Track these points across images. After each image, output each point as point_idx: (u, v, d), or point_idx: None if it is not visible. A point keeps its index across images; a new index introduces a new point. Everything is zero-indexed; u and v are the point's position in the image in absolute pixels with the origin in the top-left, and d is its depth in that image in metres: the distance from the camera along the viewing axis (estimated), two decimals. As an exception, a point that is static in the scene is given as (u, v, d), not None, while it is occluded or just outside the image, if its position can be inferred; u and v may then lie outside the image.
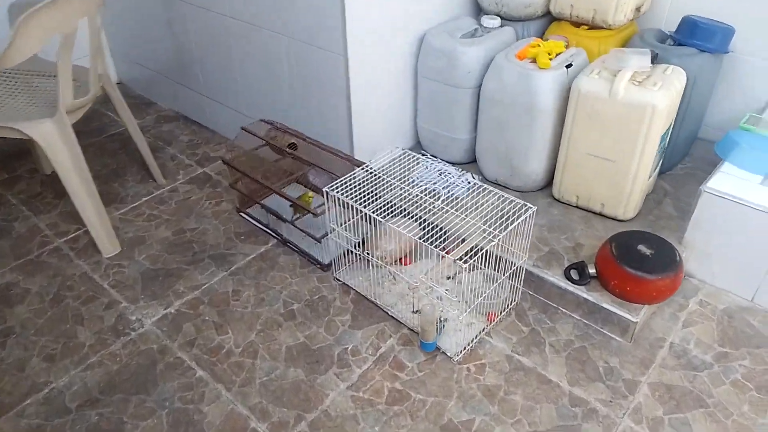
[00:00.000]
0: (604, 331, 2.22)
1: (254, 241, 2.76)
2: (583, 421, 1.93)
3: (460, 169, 2.93)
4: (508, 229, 2.04)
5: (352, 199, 2.28)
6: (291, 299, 2.44)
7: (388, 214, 2.36)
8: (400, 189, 2.48)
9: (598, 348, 2.17)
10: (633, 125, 2.28)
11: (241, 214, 2.94)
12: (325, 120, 2.83)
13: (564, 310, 2.31)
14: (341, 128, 2.76)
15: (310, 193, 2.61)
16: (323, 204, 2.35)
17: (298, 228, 2.58)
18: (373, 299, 2.39)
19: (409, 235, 2.18)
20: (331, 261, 2.58)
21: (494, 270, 2.30)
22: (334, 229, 2.38)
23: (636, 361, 2.11)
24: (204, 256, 2.69)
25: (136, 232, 2.85)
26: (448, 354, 2.15)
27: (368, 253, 2.41)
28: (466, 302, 2.15)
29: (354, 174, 2.34)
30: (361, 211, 2.23)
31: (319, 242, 2.50)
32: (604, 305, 2.18)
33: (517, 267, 2.22)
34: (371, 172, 2.39)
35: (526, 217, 2.08)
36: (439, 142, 3.00)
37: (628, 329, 2.16)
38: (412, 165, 2.64)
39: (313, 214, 2.41)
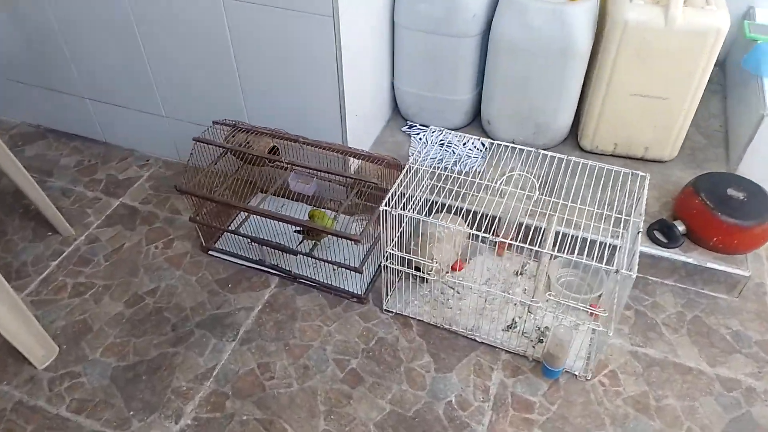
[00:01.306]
0: (707, 292, 1.99)
1: (249, 286, 2.07)
2: (749, 406, 1.69)
3: (462, 135, 2.45)
4: (641, 215, 1.65)
5: (405, 209, 1.71)
6: (343, 355, 1.85)
7: (429, 215, 1.84)
8: (432, 181, 1.96)
9: (710, 313, 1.93)
10: (692, 55, 1.97)
11: (210, 252, 2.19)
12: (305, 106, 2.14)
13: (654, 278, 2.03)
14: (329, 112, 2.10)
15: (325, 212, 1.97)
16: (353, 221, 1.75)
17: (326, 261, 1.94)
18: (446, 326, 1.90)
19: (465, 230, 1.70)
20: (366, 289, 2.00)
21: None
22: (389, 255, 1.80)
23: (754, 318, 1.91)
24: (190, 326, 1.95)
25: (68, 317, 1.98)
26: (574, 372, 1.76)
27: (419, 269, 1.88)
28: (570, 301, 1.75)
29: (402, 179, 1.76)
30: (407, 221, 1.68)
31: (360, 272, 1.90)
32: (709, 265, 1.93)
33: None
34: (412, 171, 1.82)
35: (643, 188, 1.71)
36: (429, 108, 2.47)
37: (736, 285, 1.94)
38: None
39: (353, 241, 1.80)
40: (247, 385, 1.77)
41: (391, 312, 1.96)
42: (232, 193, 2.20)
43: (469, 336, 1.87)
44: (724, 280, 1.95)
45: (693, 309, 1.95)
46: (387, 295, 1.95)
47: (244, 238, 2.07)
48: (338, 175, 1.95)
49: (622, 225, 1.75)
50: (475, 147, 2.45)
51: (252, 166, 2.06)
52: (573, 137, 2.40)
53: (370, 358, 1.84)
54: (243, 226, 2.08)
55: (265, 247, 2.04)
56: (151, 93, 2.39)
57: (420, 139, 2.48)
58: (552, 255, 1.66)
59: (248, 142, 2.01)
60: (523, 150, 1.91)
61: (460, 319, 1.91)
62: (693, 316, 1.93)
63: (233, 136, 2.04)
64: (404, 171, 1.79)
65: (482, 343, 1.86)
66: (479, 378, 1.78)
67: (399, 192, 1.74)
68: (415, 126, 2.53)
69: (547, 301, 1.75)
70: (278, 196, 2.30)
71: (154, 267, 2.16)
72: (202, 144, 2.01)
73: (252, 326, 1.94)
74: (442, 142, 2.47)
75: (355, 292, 2.00)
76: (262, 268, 2.10)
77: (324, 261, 1.94)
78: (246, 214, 2.13)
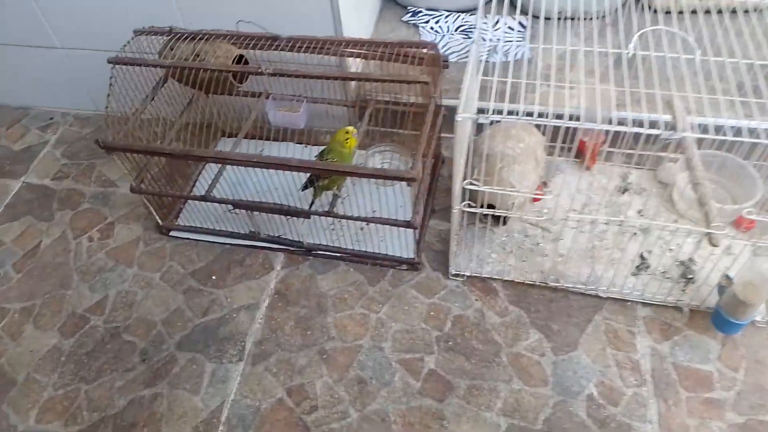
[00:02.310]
0: None
1: (244, 274, 1.40)
2: None
3: (487, 16, 1.78)
4: None
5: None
6: (411, 352, 1.23)
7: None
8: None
9: None
10: None
11: (173, 233, 1.49)
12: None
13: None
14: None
15: (347, 137, 1.28)
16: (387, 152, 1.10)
17: (363, 220, 1.28)
18: (547, 283, 1.30)
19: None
20: (416, 249, 1.37)
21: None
22: (466, 191, 1.17)
23: None
24: (168, 349, 1.28)
25: (-28, 369, 1.27)
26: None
27: (492, 206, 1.26)
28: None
29: (470, 75, 1.10)
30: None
31: (415, 227, 1.26)
32: None
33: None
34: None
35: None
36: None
37: None
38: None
39: (408, 181, 1.14)
40: (281, 427, 1.14)
41: (462, 276, 1.34)
42: (184, 143, 1.49)
43: (585, 291, 1.29)
44: None
45: None
46: (454, 254, 1.33)
47: (222, 205, 1.38)
48: (352, 78, 1.27)
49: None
50: (510, 28, 1.80)
51: (208, 93, 1.33)
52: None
53: (452, 349, 1.23)
54: (215, 187, 1.38)
55: (257, 214, 1.36)
56: (32, 13, 1.59)
57: (432, 28, 1.80)
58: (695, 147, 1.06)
59: (197, 55, 1.28)
60: (584, 20, 1.26)
61: (565, 269, 1.31)
62: None
63: (171, 50, 1.30)
64: (470, 66, 1.12)
65: (607, 298, 1.28)
66: (619, 350, 1.21)
67: (464, 97, 1.08)
68: (421, 11, 1.84)
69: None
70: (253, 138, 1.59)
71: (94, 269, 1.45)
72: (123, 67, 1.27)
73: (263, 332, 1.29)
74: (462, 27, 1.80)
75: (403, 256, 1.36)
76: (257, 243, 1.43)
77: (358, 220, 1.27)
78: (217, 167, 1.42)
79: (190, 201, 1.49)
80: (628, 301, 1.27)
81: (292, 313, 1.32)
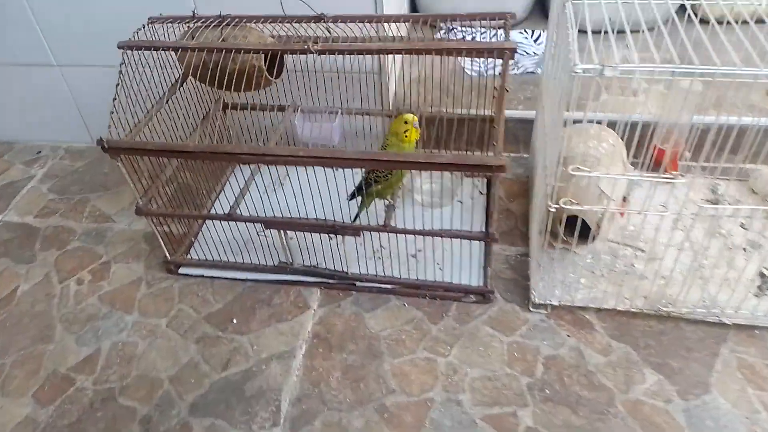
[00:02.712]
0: None
1: (272, 315, 1.13)
2: None
3: (528, 31, 1.64)
4: None
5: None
6: (499, 405, 0.95)
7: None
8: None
9: None
10: None
11: (183, 270, 1.22)
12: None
13: None
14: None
15: (406, 128, 1.04)
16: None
17: (424, 234, 1.04)
18: (653, 310, 1.05)
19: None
20: (484, 275, 1.12)
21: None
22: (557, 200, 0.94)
23: None
24: (178, 414, 0.98)
25: None
26: None
27: (571, 222, 1.03)
28: None
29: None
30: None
31: (495, 241, 1.01)
32: None
33: None
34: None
35: None
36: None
37: None
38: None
39: (495, 169, 0.90)
40: None
41: (545, 307, 1.09)
42: (195, 172, 1.26)
43: (704, 318, 1.04)
44: None
45: None
46: (535, 280, 1.08)
47: (244, 232, 1.13)
48: (428, 50, 1.06)
49: None
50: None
51: (238, 89, 1.10)
52: None
53: (550, 399, 0.95)
54: (238, 205, 1.14)
55: (291, 237, 1.11)
56: (26, 23, 1.39)
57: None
58: None
59: (224, 40, 1.06)
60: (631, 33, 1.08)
61: (672, 293, 1.07)
62: None
63: (193, 39, 1.09)
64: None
65: (732, 325, 1.03)
66: (763, 390, 0.94)
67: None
68: (454, 29, 1.68)
69: None
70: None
71: (83, 317, 1.17)
72: (135, 57, 1.04)
73: (302, 387, 1.00)
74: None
75: (471, 284, 1.11)
76: (288, 277, 1.17)
77: (423, 234, 1.02)
78: (242, 183, 1.18)
79: (203, 232, 1.24)
80: (756, 327, 1.02)
81: (337, 361, 1.04)
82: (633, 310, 1.06)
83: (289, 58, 1.16)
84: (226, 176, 1.40)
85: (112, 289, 1.22)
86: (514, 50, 0.93)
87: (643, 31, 0.88)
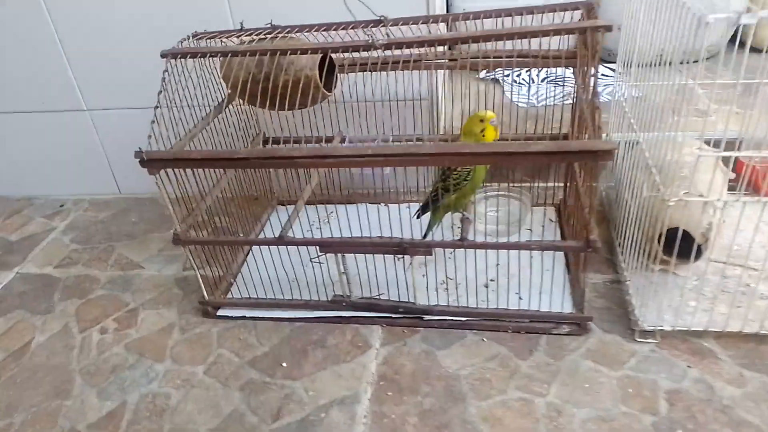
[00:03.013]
0: None
1: (329, 357, 0.96)
2: None
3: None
4: None
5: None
6: (621, 450, 0.76)
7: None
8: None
9: None
10: None
11: (222, 313, 1.07)
12: None
13: None
14: None
15: (482, 126, 0.93)
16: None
17: (511, 247, 0.89)
18: (788, 332, 0.88)
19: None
20: (581, 304, 0.96)
21: None
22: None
23: None
24: (223, 474, 0.80)
25: None
26: None
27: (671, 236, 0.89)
28: None
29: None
30: None
31: (596, 251, 0.86)
32: None
33: None
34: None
35: None
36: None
37: None
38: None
39: (603, 155, 0.77)
40: None
41: (654, 334, 0.92)
42: (229, 217, 1.15)
43: None
44: None
45: None
46: (639, 304, 0.92)
47: (299, 255, 0.99)
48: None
49: None
50: (603, 75, 1.57)
51: (290, 106, 1.00)
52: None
53: (687, 441, 0.77)
54: (286, 233, 1.00)
55: (347, 266, 0.96)
56: (59, 67, 1.34)
57: (514, 81, 1.56)
58: None
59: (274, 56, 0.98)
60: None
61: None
62: None
63: (231, 62, 1.00)
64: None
65: None
66: None
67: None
68: (498, 68, 1.62)
69: None
70: (314, 204, 1.26)
71: (107, 368, 1.00)
72: (178, 60, 0.95)
73: (373, 437, 0.82)
74: (548, 78, 1.57)
75: (563, 311, 0.95)
76: (343, 313, 1.01)
77: (508, 248, 0.88)
78: (285, 215, 1.05)
79: (246, 266, 1.10)
80: None
81: (411, 406, 0.86)
82: (763, 332, 0.89)
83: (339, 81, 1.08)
84: (261, 223, 1.28)
85: (140, 337, 1.06)
86: (609, 28, 0.83)
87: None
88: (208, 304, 1.07)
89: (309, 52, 0.90)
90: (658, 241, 0.94)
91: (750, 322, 0.90)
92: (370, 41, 0.88)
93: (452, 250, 1.10)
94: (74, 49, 1.33)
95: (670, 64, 0.90)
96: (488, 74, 1.63)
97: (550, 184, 1.27)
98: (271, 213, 1.33)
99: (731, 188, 1.04)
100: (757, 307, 0.92)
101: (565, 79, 1.54)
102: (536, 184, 1.24)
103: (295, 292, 1.05)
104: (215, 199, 1.07)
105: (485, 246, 0.89)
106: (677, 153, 0.99)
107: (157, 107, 0.90)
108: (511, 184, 1.21)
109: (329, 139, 1.21)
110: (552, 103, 1.45)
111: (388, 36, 0.94)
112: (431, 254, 0.91)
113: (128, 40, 1.29)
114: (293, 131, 1.24)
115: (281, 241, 0.95)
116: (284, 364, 0.96)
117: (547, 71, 1.63)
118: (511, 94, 1.50)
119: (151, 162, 0.88)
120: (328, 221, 1.26)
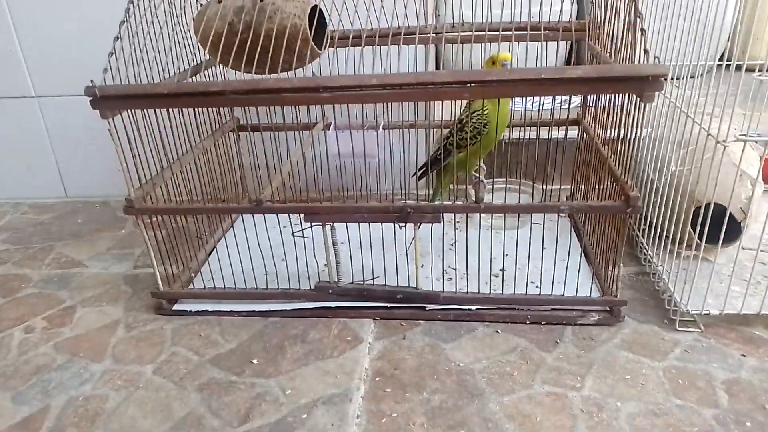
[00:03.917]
0: None
1: (310, 352, 0.78)
2: None
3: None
4: None
5: None
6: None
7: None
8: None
9: None
10: None
11: (179, 307, 0.88)
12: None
13: None
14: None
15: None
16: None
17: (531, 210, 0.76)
18: None
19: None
20: (612, 287, 0.82)
21: None
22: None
23: None
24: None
25: None
26: None
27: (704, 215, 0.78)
28: None
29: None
30: None
31: (638, 211, 0.73)
32: None
33: None
34: None
35: None
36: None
37: None
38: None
39: (646, 85, 0.66)
40: None
41: (696, 323, 0.78)
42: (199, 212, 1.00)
43: None
44: None
45: None
46: (678, 290, 0.79)
47: (280, 233, 0.83)
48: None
49: None
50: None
51: (273, 65, 0.86)
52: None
53: (761, 434, 0.62)
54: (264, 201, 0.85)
55: (338, 240, 0.81)
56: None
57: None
58: None
59: (258, 3, 0.86)
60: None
61: None
62: None
63: (219, 2, 0.88)
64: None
65: None
66: None
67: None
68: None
69: None
70: (294, 203, 1.10)
71: (28, 369, 0.80)
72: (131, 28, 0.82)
73: (371, 440, 0.64)
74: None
75: (592, 295, 0.81)
76: (331, 304, 0.84)
77: (521, 211, 0.75)
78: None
79: (210, 260, 0.93)
80: None
81: (417, 403, 0.69)
82: (821, 315, 0.76)
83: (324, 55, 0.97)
84: (231, 219, 1.12)
85: (74, 336, 0.86)
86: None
87: None
88: (162, 297, 0.88)
89: (289, 26, 0.79)
90: (692, 223, 0.83)
91: (804, 306, 0.78)
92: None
93: (454, 237, 0.96)
94: (25, 22, 1.19)
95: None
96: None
97: (555, 187, 1.17)
98: (237, 219, 1.16)
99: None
100: (807, 292, 0.80)
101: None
102: (541, 186, 1.13)
103: (271, 282, 0.89)
104: (179, 174, 0.91)
105: (503, 209, 0.75)
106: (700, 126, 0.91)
107: (117, 38, 0.76)
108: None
109: (311, 126, 1.08)
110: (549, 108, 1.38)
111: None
112: (439, 221, 0.76)
113: (87, 11, 1.16)
114: (272, 119, 1.11)
115: (259, 207, 0.79)
116: (255, 362, 0.77)
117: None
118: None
119: (106, 100, 0.72)
120: (302, 232, 1.10)
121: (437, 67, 1.56)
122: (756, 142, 0.78)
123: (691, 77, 0.84)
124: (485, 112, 0.81)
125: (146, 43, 0.79)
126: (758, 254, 0.83)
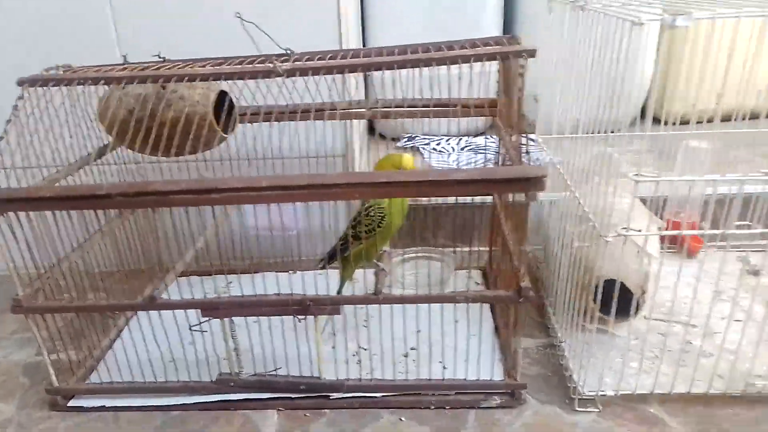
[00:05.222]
0: None
1: (207, 453, 0.76)
2: None
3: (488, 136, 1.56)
4: None
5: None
6: None
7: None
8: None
9: None
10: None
11: (75, 403, 0.84)
12: None
13: None
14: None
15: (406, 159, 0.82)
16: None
17: (435, 300, 0.76)
18: (748, 390, 0.78)
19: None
20: (512, 370, 0.83)
21: None
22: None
23: None
24: None
25: None
26: None
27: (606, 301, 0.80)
28: None
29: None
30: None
31: (530, 302, 0.74)
32: None
33: None
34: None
35: None
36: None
37: None
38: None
39: (535, 183, 0.67)
40: None
41: (594, 402, 0.79)
42: (98, 291, 0.97)
43: (803, 397, 0.78)
44: None
45: None
46: (577, 368, 0.80)
47: (178, 326, 0.80)
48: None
49: None
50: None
51: (179, 149, 0.85)
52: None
53: None
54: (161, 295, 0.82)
55: (236, 332, 0.79)
56: None
57: (434, 149, 1.52)
58: None
59: (162, 91, 0.85)
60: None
61: (742, 367, 0.81)
62: None
63: (108, 100, 0.87)
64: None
65: (843, 402, 0.77)
66: None
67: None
68: (416, 136, 1.58)
69: None
70: (211, 275, 1.08)
71: None
72: (40, 91, 0.80)
73: None
74: (468, 147, 1.53)
75: (494, 379, 0.81)
76: (233, 396, 0.82)
77: (432, 301, 0.75)
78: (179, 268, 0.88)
79: (111, 352, 0.89)
80: None
81: None
82: (713, 392, 0.78)
83: (238, 130, 0.96)
84: (127, 316, 1.08)
85: (-37, 444, 0.81)
86: (532, 53, 0.76)
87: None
88: (57, 393, 0.84)
89: (198, 79, 0.78)
90: (593, 297, 0.85)
91: (697, 383, 0.80)
92: (272, 67, 0.77)
93: (366, 314, 0.96)
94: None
95: (589, 133, 0.87)
96: (407, 142, 1.57)
97: (474, 249, 1.18)
98: (155, 290, 1.13)
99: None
100: (702, 366, 0.82)
101: (486, 147, 1.51)
102: (459, 249, 1.14)
103: (171, 374, 0.86)
104: (80, 263, 0.88)
105: (403, 300, 0.75)
106: (613, 197, 0.93)
107: (1, 138, 0.73)
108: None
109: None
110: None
111: (294, 63, 0.83)
112: (339, 313, 0.75)
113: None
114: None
115: (152, 304, 0.77)
116: (149, 465, 0.74)
117: (467, 140, 1.60)
118: (431, 162, 1.44)
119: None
120: (228, 291, 1.08)
121: (372, 133, 1.58)
122: (633, 239, 0.80)
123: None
124: (381, 207, 0.81)
125: (44, 133, 0.77)
126: (650, 325, 0.85)
